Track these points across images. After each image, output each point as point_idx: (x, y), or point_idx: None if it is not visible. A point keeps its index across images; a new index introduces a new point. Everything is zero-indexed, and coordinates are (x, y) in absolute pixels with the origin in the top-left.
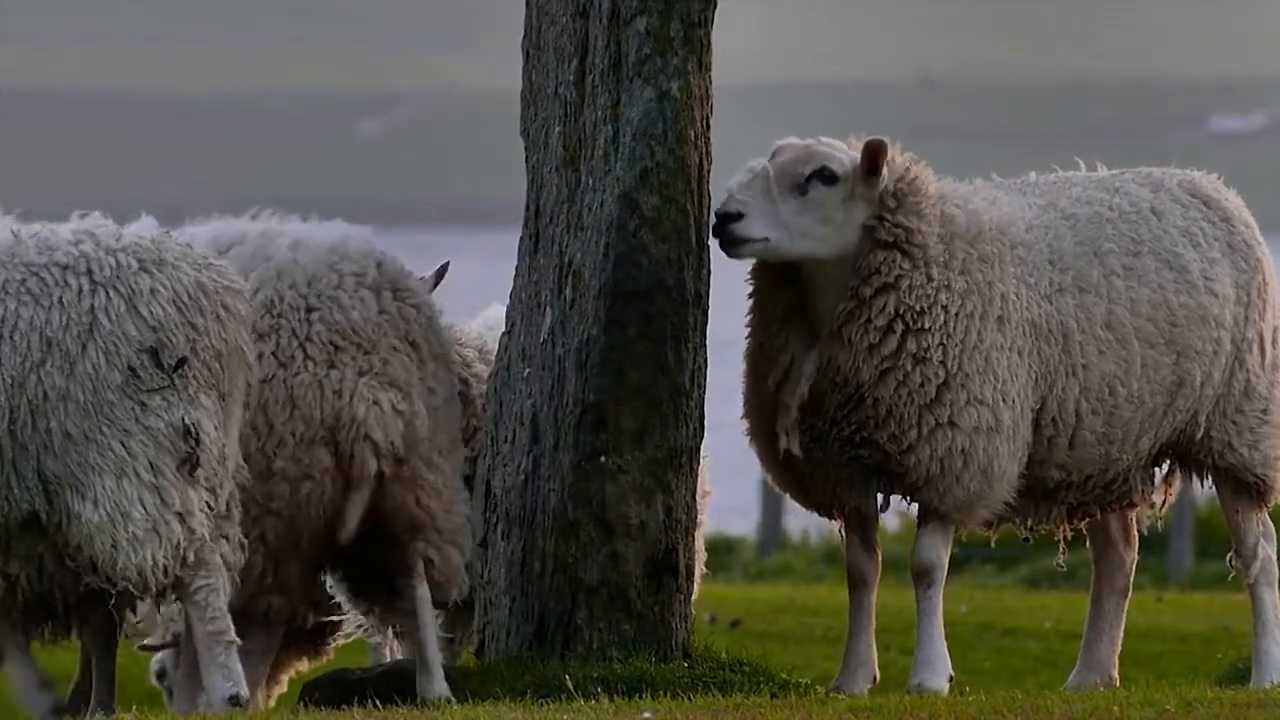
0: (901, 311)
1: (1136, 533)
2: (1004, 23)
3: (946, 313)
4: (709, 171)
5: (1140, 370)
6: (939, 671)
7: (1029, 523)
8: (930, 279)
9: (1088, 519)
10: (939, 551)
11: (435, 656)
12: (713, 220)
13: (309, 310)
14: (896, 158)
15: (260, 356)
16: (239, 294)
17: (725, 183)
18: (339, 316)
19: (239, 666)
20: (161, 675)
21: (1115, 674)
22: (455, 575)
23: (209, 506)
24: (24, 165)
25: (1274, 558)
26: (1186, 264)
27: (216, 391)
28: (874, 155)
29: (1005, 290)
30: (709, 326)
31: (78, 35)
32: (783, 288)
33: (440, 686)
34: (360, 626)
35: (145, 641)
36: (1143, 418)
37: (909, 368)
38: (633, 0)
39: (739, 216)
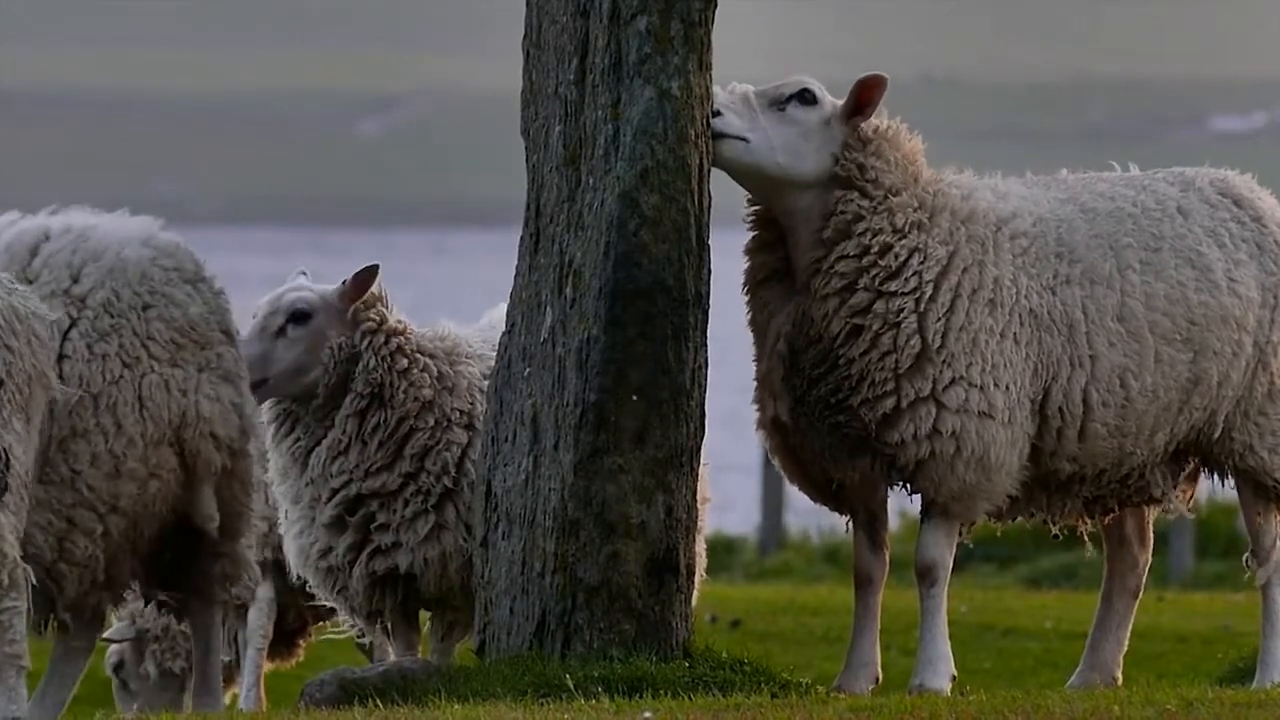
0: (866, 264)
1: (1151, 535)
2: (1003, 22)
3: (920, 279)
4: (709, 171)
5: (1155, 365)
6: (941, 672)
7: (1046, 517)
8: (895, 229)
9: (1109, 515)
10: (942, 549)
11: (219, 679)
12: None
13: (145, 307)
14: (885, 120)
15: (104, 357)
16: (44, 320)
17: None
18: (176, 313)
19: (24, 690)
20: (119, 667)
21: (1119, 674)
22: (244, 568)
23: (16, 530)
24: (24, 165)
25: None
26: (1209, 263)
27: (25, 415)
28: (866, 90)
29: (999, 275)
30: (709, 326)
31: (78, 35)
32: (766, 251)
33: (218, 704)
34: (353, 627)
35: (106, 634)
36: (1157, 412)
37: (877, 328)
38: None
39: (716, 114)
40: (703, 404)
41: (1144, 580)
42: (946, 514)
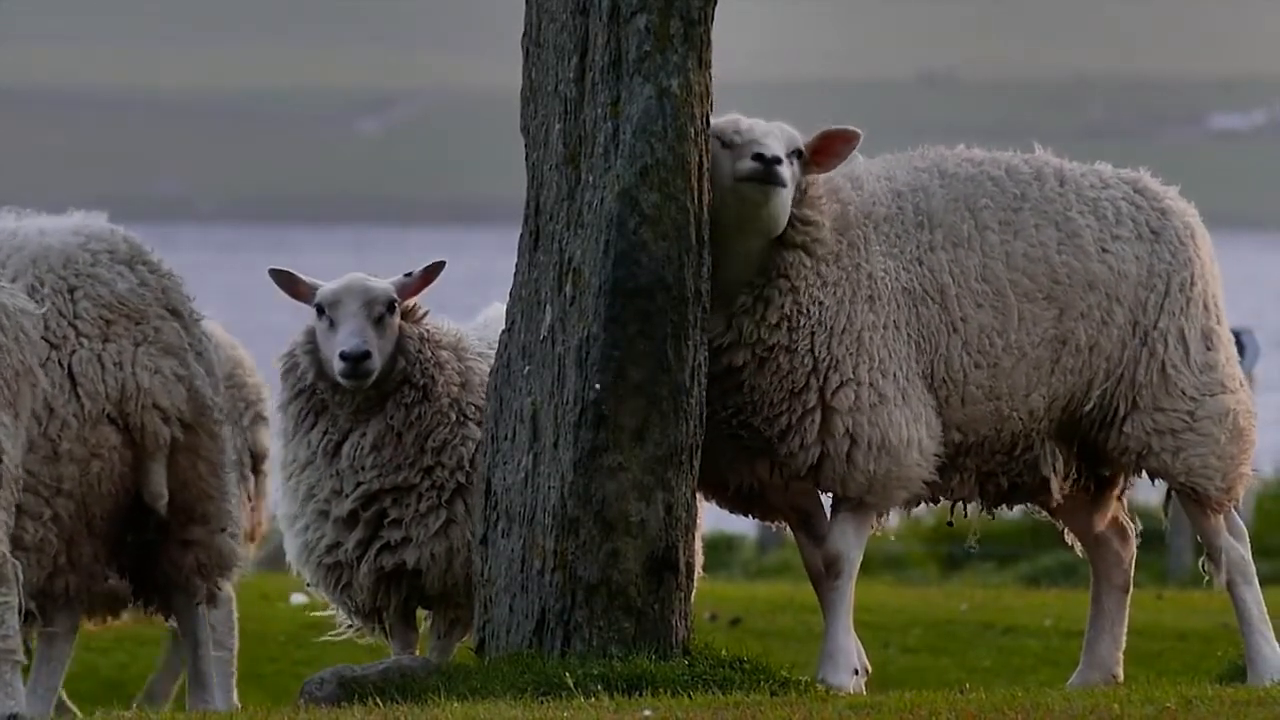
0: (790, 310)
1: (1132, 528)
2: (1004, 21)
3: (822, 307)
4: (709, 169)
5: (1018, 323)
6: (841, 666)
7: (939, 496)
8: (820, 276)
9: (1004, 501)
10: (850, 542)
11: (211, 673)
12: (750, 164)
13: (71, 289)
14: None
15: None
16: (32, 317)
17: (754, 131)
18: (103, 290)
19: (20, 685)
20: None
21: (1119, 671)
22: (229, 558)
23: (5, 525)
24: (27, 164)
25: (1247, 555)
26: (1078, 229)
27: (13, 411)
28: (831, 140)
29: (872, 270)
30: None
31: (80, 35)
32: None
33: (213, 701)
34: (350, 627)
35: None
36: (1027, 370)
37: (780, 359)
38: None
39: (780, 160)
40: (703, 402)
41: (1131, 575)
42: (860, 506)
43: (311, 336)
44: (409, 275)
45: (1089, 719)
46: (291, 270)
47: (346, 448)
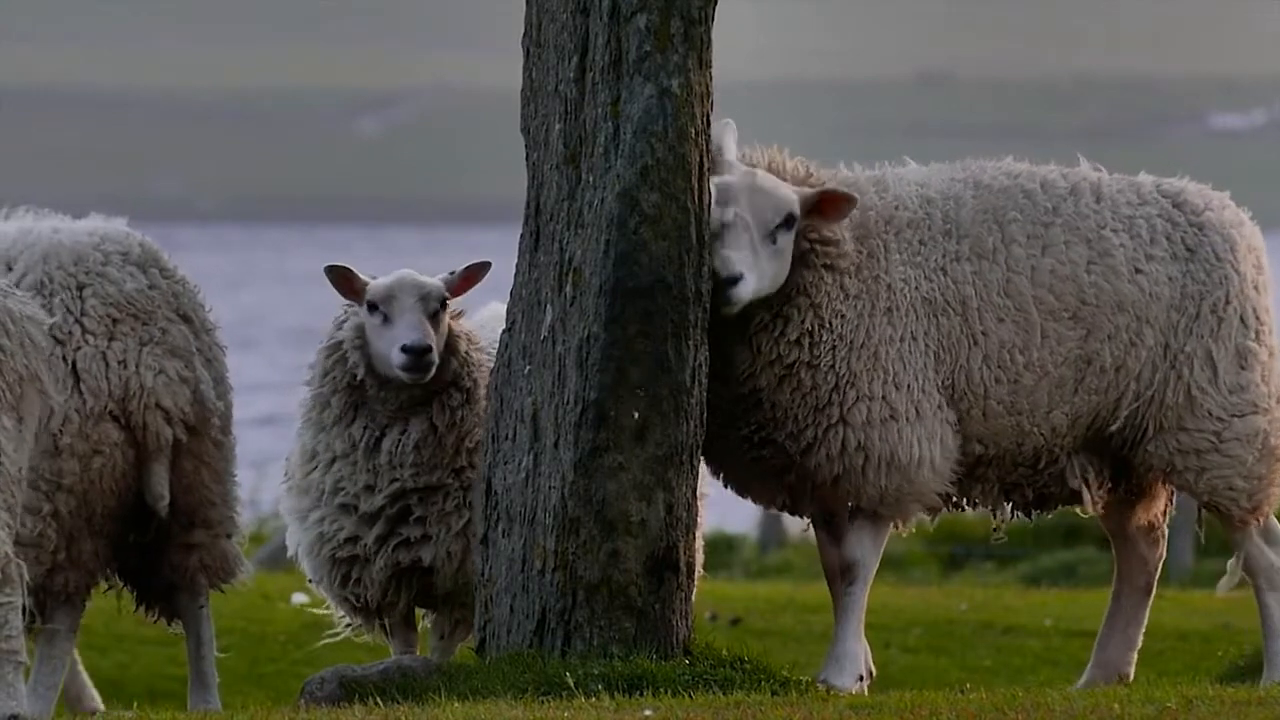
0: (811, 325)
1: (1162, 532)
2: (1003, 20)
3: (843, 320)
4: (709, 169)
5: (1041, 340)
6: (847, 671)
7: (962, 501)
8: (843, 289)
9: (1034, 508)
10: (866, 550)
11: (213, 674)
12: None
13: (80, 287)
14: (789, 163)
15: None
16: (39, 324)
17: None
18: (111, 289)
19: (22, 686)
20: None
21: (1130, 672)
22: (233, 564)
23: (8, 525)
24: (26, 164)
25: (1277, 563)
26: (1110, 248)
27: (16, 414)
28: (833, 202)
29: (891, 280)
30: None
31: (78, 34)
32: None
33: (215, 701)
34: (349, 626)
35: None
36: (1049, 389)
37: (802, 374)
38: None
39: (739, 278)
40: (703, 401)
41: (1155, 578)
42: (875, 518)
43: (360, 332)
44: (452, 274)
45: (1089, 719)
46: (349, 266)
47: (387, 444)
